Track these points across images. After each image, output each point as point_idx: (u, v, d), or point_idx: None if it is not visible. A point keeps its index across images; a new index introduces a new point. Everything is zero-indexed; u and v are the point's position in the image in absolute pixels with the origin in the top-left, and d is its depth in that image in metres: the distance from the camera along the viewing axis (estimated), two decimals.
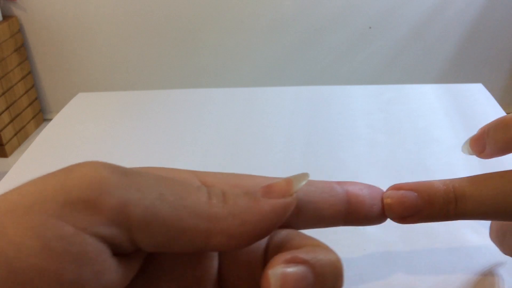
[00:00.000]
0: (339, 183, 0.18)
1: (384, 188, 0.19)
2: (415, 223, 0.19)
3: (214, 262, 0.17)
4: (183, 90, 0.49)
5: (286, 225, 0.18)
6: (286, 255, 0.15)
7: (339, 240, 0.28)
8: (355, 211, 0.18)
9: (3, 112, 1.55)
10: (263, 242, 0.18)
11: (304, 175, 0.16)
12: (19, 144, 1.67)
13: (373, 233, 0.28)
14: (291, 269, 0.14)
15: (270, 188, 0.16)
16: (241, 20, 1.59)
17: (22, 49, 1.65)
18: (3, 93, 1.55)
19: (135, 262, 0.15)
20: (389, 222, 0.28)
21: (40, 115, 1.80)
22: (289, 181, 0.16)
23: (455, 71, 1.68)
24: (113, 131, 0.43)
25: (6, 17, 1.59)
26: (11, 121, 1.60)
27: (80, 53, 1.68)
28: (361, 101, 0.46)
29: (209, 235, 0.15)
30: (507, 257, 0.23)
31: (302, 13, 1.57)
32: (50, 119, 1.12)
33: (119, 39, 1.64)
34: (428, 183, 0.19)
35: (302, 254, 0.15)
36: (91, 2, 1.57)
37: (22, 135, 1.69)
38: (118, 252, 0.14)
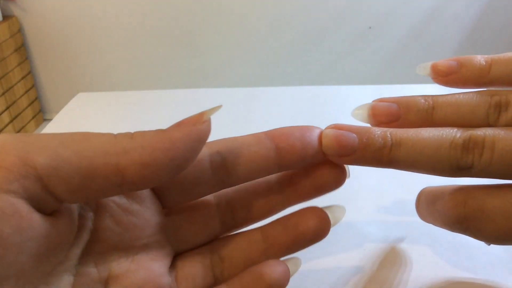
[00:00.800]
0: (266, 133, 0.19)
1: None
2: (350, 164, 0.19)
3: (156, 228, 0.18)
4: (183, 90, 0.49)
5: (222, 184, 0.18)
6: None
7: (339, 240, 0.28)
8: (287, 156, 0.18)
9: (3, 112, 1.55)
10: (211, 198, 0.19)
11: (217, 107, 0.17)
12: None
13: (373, 233, 0.28)
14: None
15: (181, 121, 0.16)
16: (241, 20, 1.59)
17: (22, 49, 1.65)
18: (3, 93, 1.55)
19: (65, 218, 0.15)
20: (389, 221, 0.28)
21: (40, 115, 1.80)
22: (201, 112, 0.16)
23: None
24: (113, 131, 0.43)
25: (6, 17, 1.59)
26: (11, 121, 1.60)
27: (80, 53, 1.68)
28: (361, 101, 0.46)
29: (121, 169, 0.15)
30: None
31: (302, 13, 1.57)
32: (50, 119, 1.12)
33: (119, 39, 1.64)
34: (366, 127, 0.19)
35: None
36: (91, 2, 1.57)
37: None
38: (42, 208, 0.14)
